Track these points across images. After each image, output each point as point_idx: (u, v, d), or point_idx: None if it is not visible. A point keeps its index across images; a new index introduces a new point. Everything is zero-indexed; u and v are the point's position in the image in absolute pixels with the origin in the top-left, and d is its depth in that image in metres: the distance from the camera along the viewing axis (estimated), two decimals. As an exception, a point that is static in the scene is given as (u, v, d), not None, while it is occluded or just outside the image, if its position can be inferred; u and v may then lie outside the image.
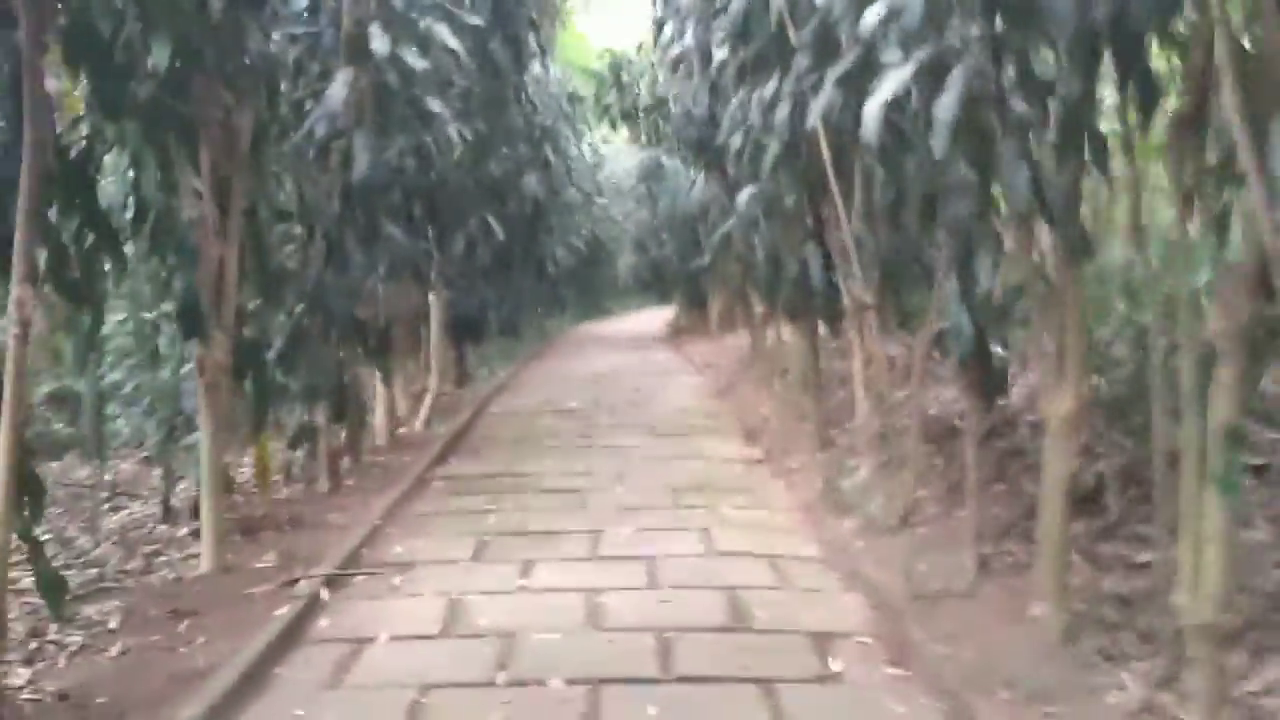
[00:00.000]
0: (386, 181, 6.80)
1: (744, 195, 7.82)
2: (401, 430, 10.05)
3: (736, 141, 8.11)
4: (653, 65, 18.20)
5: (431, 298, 10.48)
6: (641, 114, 21.93)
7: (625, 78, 21.76)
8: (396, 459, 8.52)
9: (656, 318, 29.71)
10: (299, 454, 7.35)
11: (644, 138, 22.42)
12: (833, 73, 4.64)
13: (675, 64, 10.64)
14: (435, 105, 7.20)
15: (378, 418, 9.19)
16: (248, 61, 5.22)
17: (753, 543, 5.86)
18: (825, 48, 5.20)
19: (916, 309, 7.05)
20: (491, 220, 13.01)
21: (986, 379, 4.88)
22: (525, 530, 6.22)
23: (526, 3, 12.24)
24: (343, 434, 7.81)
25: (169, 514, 6.32)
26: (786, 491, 7.28)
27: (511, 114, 14.34)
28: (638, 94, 21.87)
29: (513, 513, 6.68)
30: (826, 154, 5.89)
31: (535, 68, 18.12)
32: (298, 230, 7.05)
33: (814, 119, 5.15)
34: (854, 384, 7.61)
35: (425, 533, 6.27)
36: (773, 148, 6.53)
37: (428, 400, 10.31)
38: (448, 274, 12.58)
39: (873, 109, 3.78)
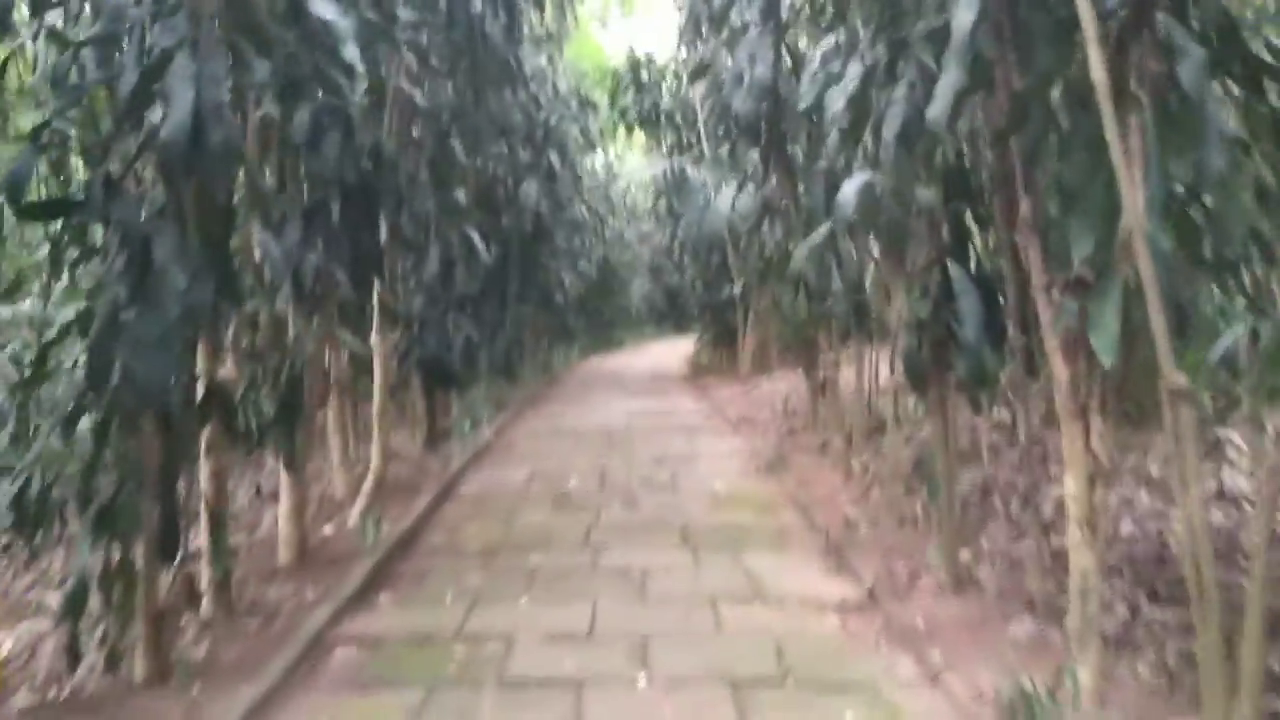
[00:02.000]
0: (234, 144, 3.80)
1: (850, 188, 4.81)
2: (327, 530, 7.03)
3: (836, 103, 5.12)
4: (682, 48, 15.19)
5: (375, 340, 7.46)
6: (663, 118, 19.00)
7: (645, 77, 18.88)
8: (295, 594, 5.49)
9: (674, 351, 26.70)
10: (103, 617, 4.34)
11: (664, 146, 19.47)
12: None
13: (723, 14, 7.68)
14: (328, 10, 4.17)
15: (280, 521, 6.18)
16: None
17: None
18: None
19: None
20: (474, 236, 10.06)
21: None
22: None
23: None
24: (202, 571, 4.82)
25: None
26: (932, 693, 4.21)
27: (505, 103, 11.42)
28: (659, 96, 18.98)
29: (449, 749, 3.65)
30: (1104, 79, 2.83)
31: (539, 59, 15.27)
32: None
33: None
34: (1054, 507, 4.61)
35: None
36: (945, 84, 3.50)
37: (367, 486, 7.27)
38: (405, 306, 9.62)
39: None
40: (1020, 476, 6.99)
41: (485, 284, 13.58)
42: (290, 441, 5.84)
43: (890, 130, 4.81)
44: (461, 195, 9.93)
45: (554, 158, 14.59)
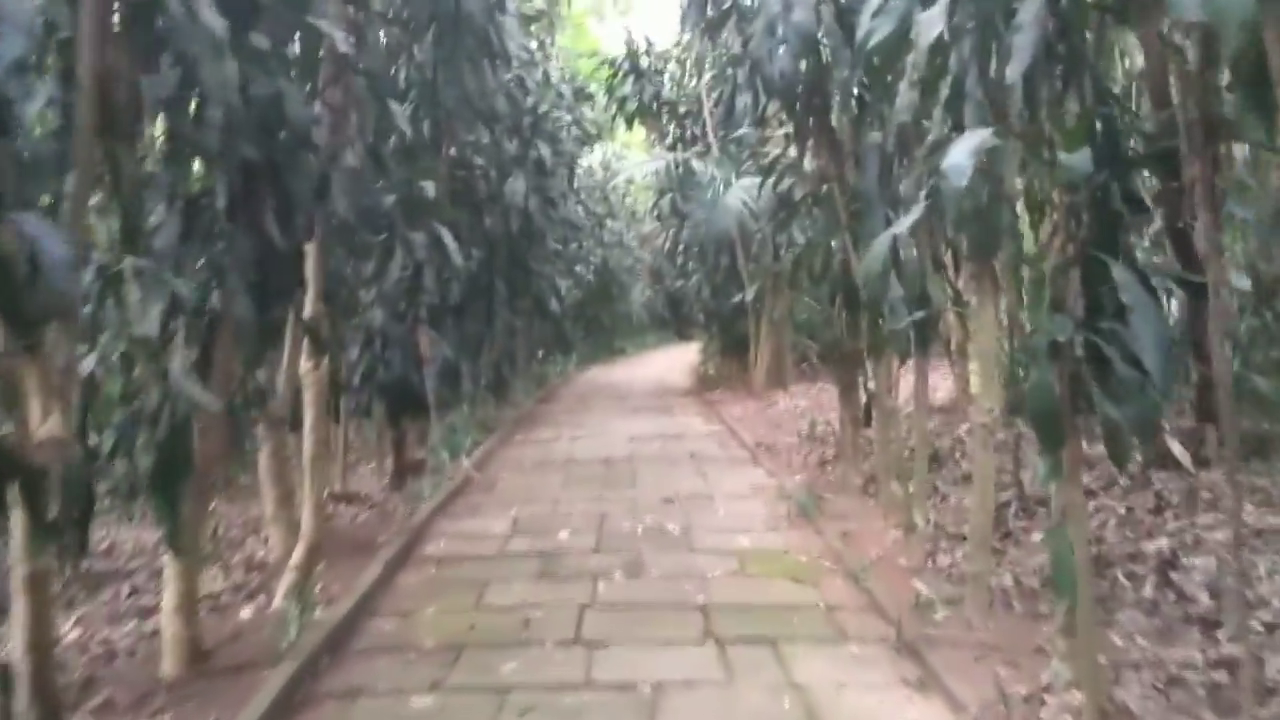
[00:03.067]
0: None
1: (962, 151, 3.21)
2: (245, 614, 5.46)
3: (928, 33, 3.55)
4: (685, 31, 13.61)
5: (305, 368, 5.84)
6: (665, 108, 17.37)
7: (645, 64, 17.29)
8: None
9: (677, 360, 25.18)
10: None
11: (668, 139, 17.83)
12: None
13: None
14: None
15: (164, 619, 4.60)
16: None
17: None
18: None
19: None
20: (445, 235, 8.48)
21: None
22: None
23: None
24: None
25: None
26: None
27: (485, 82, 9.85)
28: (660, 85, 17.38)
29: None
30: None
31: (528, 41, 13.71)
32: None
33: None
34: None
35: None
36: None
37: (296, 555, 5.67)
38: (362, 320, 8.10)
39: None
40: (1144, 539, 5.42)
41: (467, 292, 12.02)
42: (172, 513, 4.26)
43: (1017, 65, 3.25)
44: (430, 188, 8.33)
45: (544, 150, 13.02)
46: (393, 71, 8.39)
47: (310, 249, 5.38)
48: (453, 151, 9.97)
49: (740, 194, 13.58)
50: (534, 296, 16.55)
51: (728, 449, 11.03)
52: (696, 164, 14.82)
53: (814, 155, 6.51)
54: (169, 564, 4.52)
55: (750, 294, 14.46)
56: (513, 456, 11.01)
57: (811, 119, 6.10)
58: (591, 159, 24.07)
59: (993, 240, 4.53)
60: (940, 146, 4.03)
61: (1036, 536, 5.98)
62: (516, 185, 12.22)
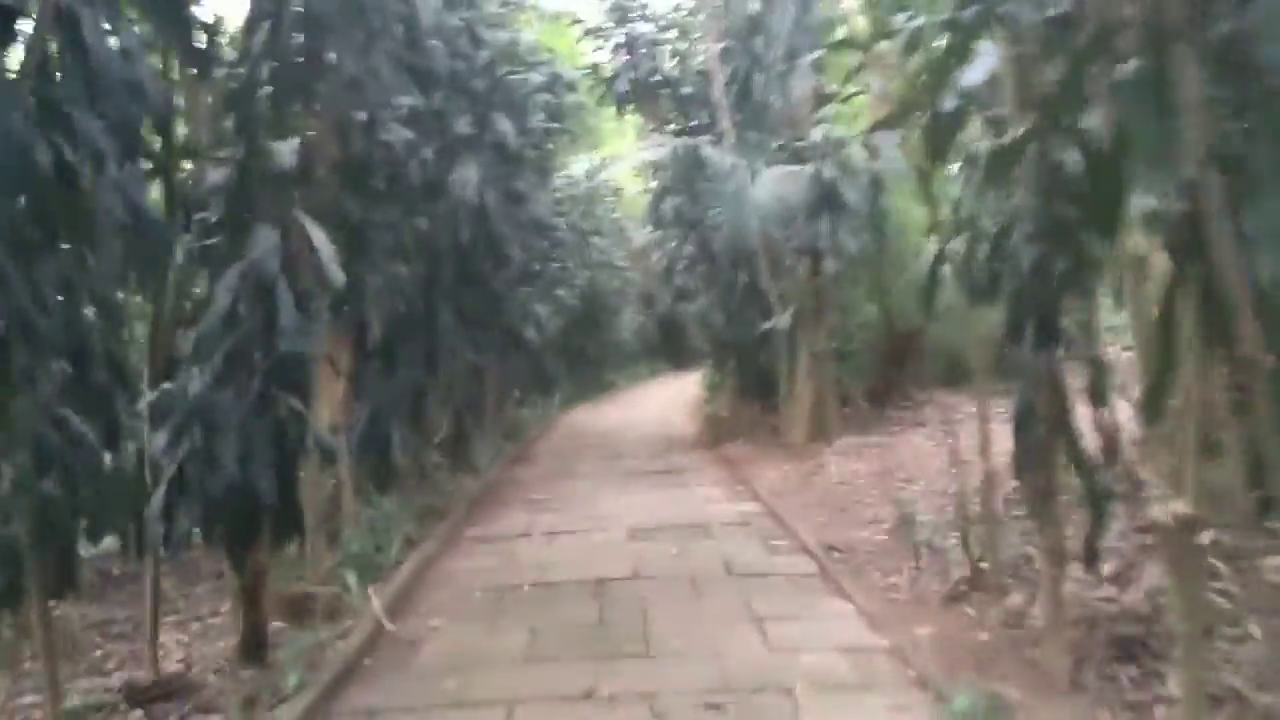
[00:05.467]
0: None
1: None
2: None
3: None
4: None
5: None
6: (665, 91, 13.88)
7: (638, 30, 13.86)
8: None
9: (675, 394, 21.71)
10: None
11: (671, 128, 14.23)
12: None
13: None
14: None
15: None
16: None
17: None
18: None
19: None
20: (313, 232, 4.92)
21: None
22: None
23: None
24: None
25: None
26: None
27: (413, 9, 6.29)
28: (659, 61, 13.95)
29: None
30: None
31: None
32: None
33: None
34: None
35: None
36: None
37: None
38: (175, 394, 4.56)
39: None
40: None
41: (396, 327, 8.46)
42: None
43: None
44: (286, 154, 4.77)
45: (506, 125, 9.44)
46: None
47: None
48: (363, 115, 6.41)
49: (772, 187, 10.08)
50: (504, 327, 13.04)
51: (779, 553, 7.42)
52: (709, 151, 11.31)
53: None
54: None
55: (786, 319, 10.94)
56: (458, 573, 7.36)
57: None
58: (575, 167, 20.65)
59: None
60: None
61: None
62: (467, 174, 8.64)
